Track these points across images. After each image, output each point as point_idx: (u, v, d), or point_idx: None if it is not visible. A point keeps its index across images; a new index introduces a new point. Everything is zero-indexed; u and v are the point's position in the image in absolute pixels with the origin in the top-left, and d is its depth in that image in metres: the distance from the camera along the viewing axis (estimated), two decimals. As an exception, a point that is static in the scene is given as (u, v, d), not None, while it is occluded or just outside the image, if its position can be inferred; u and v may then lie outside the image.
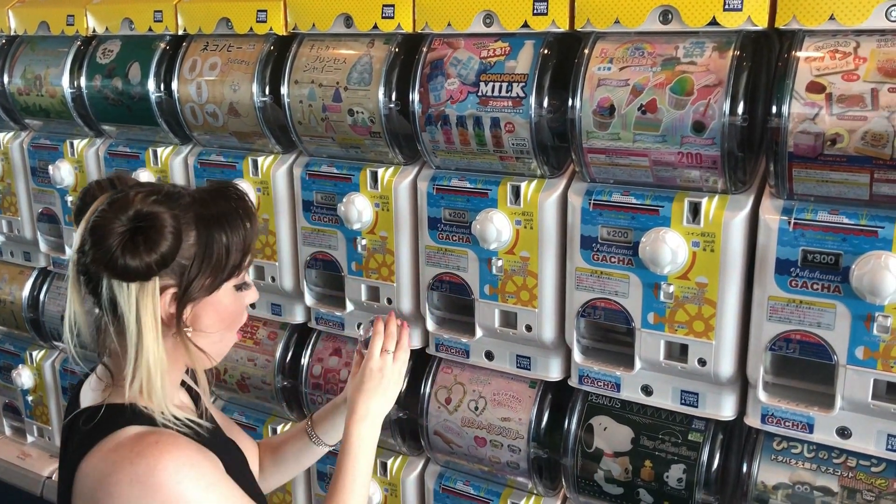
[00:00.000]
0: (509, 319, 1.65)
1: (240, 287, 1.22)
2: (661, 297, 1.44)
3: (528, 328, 1.60)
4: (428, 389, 1.78)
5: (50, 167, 2.24)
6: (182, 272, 1.13)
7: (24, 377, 2.65)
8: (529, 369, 1.67)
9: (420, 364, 1.84)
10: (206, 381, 1.22)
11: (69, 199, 2.28)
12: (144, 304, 1.10)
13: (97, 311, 1.15)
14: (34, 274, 2.59)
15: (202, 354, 1.19)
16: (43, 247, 2.43)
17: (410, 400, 1.83)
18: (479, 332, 1.67)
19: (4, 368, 2.75)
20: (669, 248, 1.39)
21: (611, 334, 1.58)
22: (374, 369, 1.33)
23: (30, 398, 2.71)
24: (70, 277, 1.16)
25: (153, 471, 1.05)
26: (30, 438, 2.79)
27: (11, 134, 2.42)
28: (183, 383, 1.32)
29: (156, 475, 1.05)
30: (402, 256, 1.74)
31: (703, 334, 1.43)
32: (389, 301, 1.77)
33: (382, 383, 1.33)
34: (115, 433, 1.11)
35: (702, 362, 1.44)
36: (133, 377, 1.12)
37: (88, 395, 1.25)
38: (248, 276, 1.26)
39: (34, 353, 2.66)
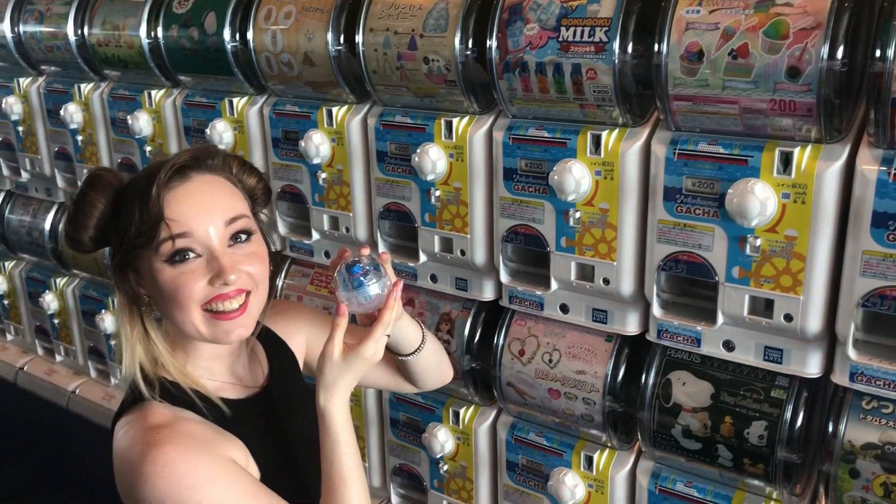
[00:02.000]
0: (586, 272, 1.62)
1: (172, 260, 1.14)
2: (748, 251, 1.39)
3: (606, 281, 1.57)
4: (501, 341, 1.77)
5: (128, 118, 2.28)
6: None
7: (108, 322, 2.75)
8: (606, 323, 1.65)
9: (493, 316, 1.83)
10: (258, 357, 1.25)
11: (147, 149, 2.32)
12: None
13: None
14: (115, 222, 2.66)
15: (183, 332, 1.19)
16: (123, 196, 2.48)
17: (483, 351, 1.83)
18: (554, 285, 1.65)
19: (89, 314, 2.85)
20: (758, 199, 1.33)
21: (692, 288, 1.54)
22: (367, 352, 1.19)
23: (113, 342, 2.81)
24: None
25: (154, 463, 1.07)
26: (113, 381, 2.90)
27: (91, 85, 2.47)
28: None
29: (154, 466, 1.07)
30: (476, 208, 1.72)
31: (790, 289, 1.38)
32: (463, 253, 1.76)
33: (367, 362, 1.20)
34: (139, 406, 1.16)
35: (788, 318, 1.39)
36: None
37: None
38: (201, 246, 1.15)
39: (115, 299, 2.74)
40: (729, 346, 1.51)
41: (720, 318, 1.47)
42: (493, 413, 1.91)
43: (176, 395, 1.16)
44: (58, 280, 2.97)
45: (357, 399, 2.09)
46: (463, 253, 1.76)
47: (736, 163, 1.38)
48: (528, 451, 1.82)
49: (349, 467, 1.20)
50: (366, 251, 1.27)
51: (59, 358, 3.10)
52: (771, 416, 1.46)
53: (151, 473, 1.06)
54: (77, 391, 2.94)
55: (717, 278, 1.44)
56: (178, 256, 1.14)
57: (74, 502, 2.93)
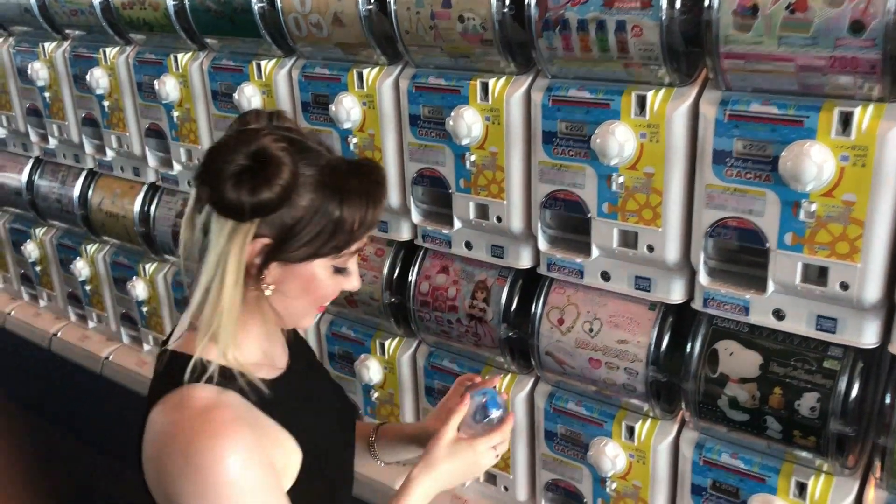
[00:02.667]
0: (629, 239, 1.56)
1: (339, 270, 1.16)
2: (802, 217, 1.33)
3: (650, 248, 1.52)
4: (540, 310, 1.73)
5: (155, 82, 2.24)
6: (282, 229, 1.08)
7: (139, 289, 2.74)
8: (649, 291, 1.59)
9: (530, 283, 1.78)
10: (283, 342, 1.20)
11: (175, 114, 2.28)
12: (234, 243, 1.07)
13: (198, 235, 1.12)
14: (144, 189, 2.64)
15: (274, 314, 1.15)
16: (151, 161, 2.46)
17: (520, 320, 1.79)
18: (595, 253, 1.60)
19: (120, 280, 2.85)
20: (814, 162, 1.26)
21: (740, 255, 1.48)
22: (477, 451, 1.30)
23: (144, 309, 2.81)
24: (190, 199, 1.14)
25: (200, 453, 1.02)
26: (146, 347, 2.91)
27: (117, 49, 2.42)
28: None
29: (200, 458, 1.02)
30: (513, 173, 1.66)
31: (846, 256, 1.32)
32: (499, 219, 1.70)
33: (470, 467, 1.30)
34: (180, 390, 1.09)
35: (844, 286, 1.33)
36: (204, 316, 1.09)
37: (178, 328, 1.25)
38: (354, 263, 1.19)
39: (147, 266, 2.74)
40: (779, 315, 1.45)
41: (770, 287, 1.41)
42: (531, 382, 1.88)
43: (218, 374, 1.11)
44: (88, 247, 2.96)
45: (391, 366, 2.06)
46: (499, 219, 1.71)
47: (791, 124, 1.30)
48: (567, 421, 1.79)
49: None
50: (485, 393, 1.38)
51: (91, 324, 3.11)
52: (823, 387, 1.40)
53: (201, 465, 1.02)
54: (111, 357, 2.95)
55: (768, 245, 1.38)
56: (346, 270, 1.17)
57: (107, 468, 2.96)
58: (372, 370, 2.07)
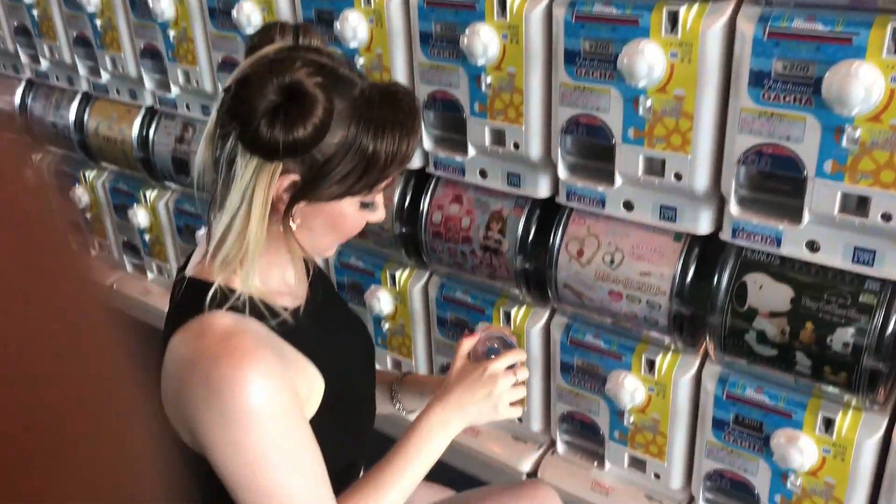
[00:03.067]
0: (655, 166, 1.48)
1: (366, 205, 1.10)
2: (844, 143, 1.24)
3: (678, 176, 1.43)
4: (558, 241, 1.66)
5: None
6: (312, 167, 1.02)
7: (140, 217, 2.67)
8: (675, 221, 1.52)
9: (548, 213, 1.71)
10: (303, 274, 1.13)
11: (171, 33, 2.16)
12: (260, 179, 1.01)
13: (220, 162, 1.05)
14: (141, 112, 2.54)
15: (296, 246, 1.09)
16: (148, 84, 2.35)
17: (537, 251, 1.72)
18: (618, 181, 1.52)
19: (120, 208, 2.77)
20: (862, 84, 1.17)
21: (774, 184, 1.40)
22: (493, 374, 1.21)
23: (147, 237, 2.74)
24: (211, 119, 1.06)
25: (222, 380, 0.97)
26: (150, 275, 2.86)
27: (106, -37, 2.28)
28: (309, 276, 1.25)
29: (224, 386, 0.97)
30: (532, 96, 1.56)
31: (891, 185, 1.23)
32: (517, 146, 1.61)
33: (488, 392, 1.20)
34: (200, 317, 1.04)
35: (886, 217, 1.25)
36: (226, 248, 1.04)
37: (196, 255, 1.19)
38: (381, 196, 1.13)
39: (148, 193, 2.66)
40: (813, 246, 1.38)
41: (806, 217, 1.33)
42: (546, 314, 1.82)
43: (239, 302, 1.06)
44: (87, 173, 2.88)
45: (402, 297, 2.01)
46: (517, 146, 1.62)
47: (837, 42, 1.20)
48: (584, 354, 1.74)
49: (408, 474, 1.17)
50: (496, 332, 1.31)
51: (93, 252, 3.04)
52: (858, 322, 1.34)
53: (224, 393, 0.97)
54: (114, 286, 2.91)
55: (805, 173, 1.30)
56: (373, 205, 1.11)
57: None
58: (382, 301, 2.01)
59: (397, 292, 2.01)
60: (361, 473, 1.29)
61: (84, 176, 2.88)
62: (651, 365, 1.65)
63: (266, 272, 1.11)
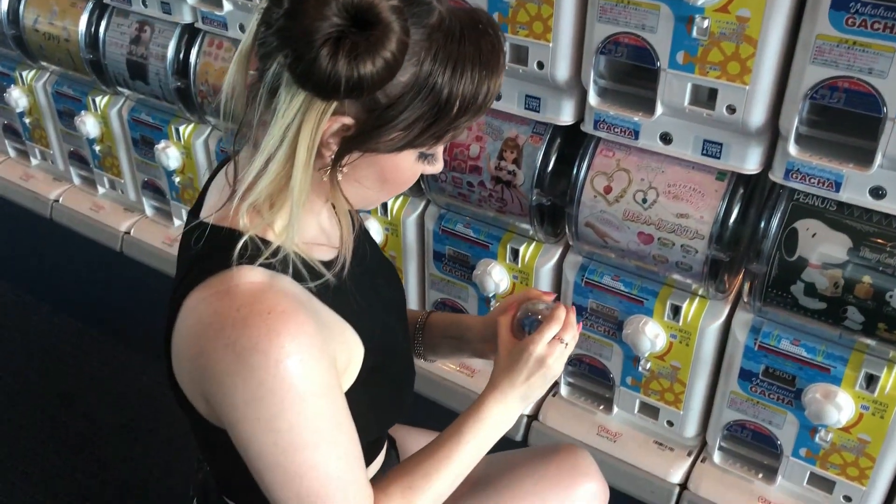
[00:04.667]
0: (700, 95, 1.31)
1: (426, 156, 0.92)
2: (937, 80, 1.09)
3: (731, 109, 1.27)
4: (583, 175, 1.49)
5: None
6: (372, 110, 0.83)
7: (89, 125, 2.39)
8: (719, 158, 1.36)
9: (569, 143, 1.53)
10: (349, 228, 0.94)
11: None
12: (308, 118, 0.82)
13: (257, 88, 0.85)
14: (88, 7, 2.23)
15: (343, 200, 0.91)
16: (95, -26, 2.05)
17: (557, 184, 1.55)
18: (659, 110, 1.34)
19: (66, 114, 2.49)
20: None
21: (839, 121, 1.24)
22: (540, 356, 1.08)
23: (97, 148, 2.48)
24: (248, 34, 0.87)
25: (254, 349, 0.83)
26: (101, 190, 2.61)
27: None
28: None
29: (255, 356, 0.83)
30: (564, 8, 1.36)
31: (985, 131, 1.10)
32: (541, 65, 1.42)
33: (542, 373, 1.08)
34: (225, 273, 0.87)
35: (974, 166, 1.12)
36: (257, 191, 0.86)
37: (213, 196, 1.00)
38: (441, 145, 0.93)
39: (97, 99, 2.38)
40: (878, 192, 1.24)
41: (878, 160, 1.19)
42: (559, 252, 1.67)
43: (275, 259, 0.89)
44: (25, 73, 2.57)
45: (395, 229, 1.83)
46: (541, 66, 1.42)
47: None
48: (600, 296, 1.60)
49: (465, 457, 1.05)
50: (540, 302, 1.16)
51: (34, 161, 2.76)
52: (924, 278, 1.23)
53: (259, 366, 0.83)
54: (60, 200, 2.65)
55: (885, 111, 1.15)
56: (433, 157, 0.93)
57: (61, 313, 2.74)
58: (373, 231, 1.83)
59: (389, 222, 1.83)
60: (384, 449, 1.15)
61: (21, 76, 2.57)
62: (676, 311, 1.52)
63: (303, 221, 0.94)
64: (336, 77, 0.77)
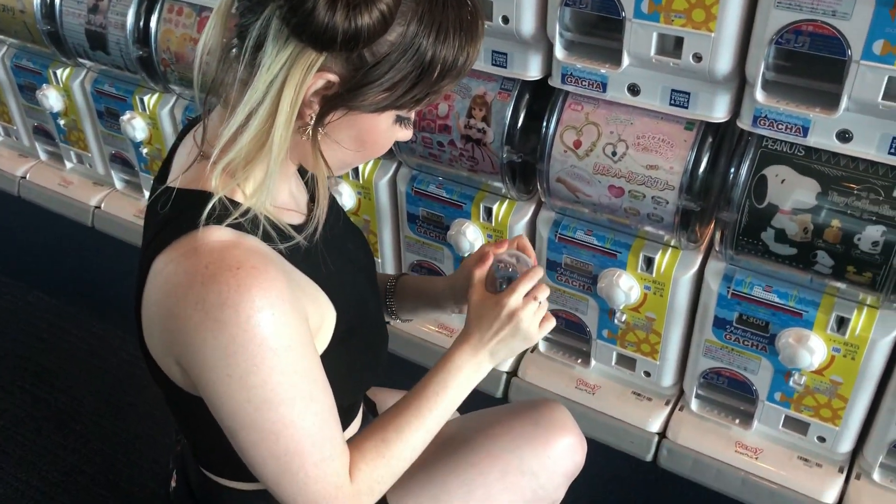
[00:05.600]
0: (667, 45, 1.30)
1: (402, 120, 0.92)
2: None
3: (698, 58, 1.26)
4: (552, 130, 1.48)
5: None
6: (358, 68, 0.83)
7: (52, 98, 2.35)
8: (687, 108, 1.36)
9: (538, 98, 1.52)
10: (326, 190, 0.93)
11: None
12: (293, 73, 0.81)
13: (234, 47, 0.85)
14: (42, -23, 2.17)
15: (321, 161, 0.90)
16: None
17: (527, 140, 1.54)
18: (625, 61, 1.33)
19: (27, 88, 2.44)
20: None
21: (805, 65, 1.24)
22: (512, 310, 1.07)
23: (62, 122, 2.43)
24: None
25: (224, 304, 0.82)
26: (68, 165, 2.56)
27: None
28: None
29: (225, 311, 0.82)
30: (526, -40, 1.34)
31: (948, 70, 1.10)
32: (506, 20, 1.40)
33: (512, 327, 1.06)
34: (193, 233, 0.86)
35: (938, 106, 1.12)
36: (234, 152, 0.85)
37: (182, 159, 0.99)
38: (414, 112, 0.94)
39: (59, 72, 2.33)
40: (845, 136, 1.24)
41: (844, 104, 1.19)
42: (531, 209, 1.67)
43: (244, 220, 0.88)
44: (-19, 48, 2.51)
45: (367, 192, 1.82)
46: (506, 20, 1.40)
47: None
48: (574, 251, 1.61)
49: (432, 420, 1.05)
50: (508, 254, 1.15)
51: (-1, 138, 2.72)
52: (891, 220, 1.24)
53: (229, 321, 0.82)
54: (27, 176, 2.61)
55: (849, 53, 1.14)
56: (408, 121, 0.93)
57: (35, 291, 2.71)
58: (344, 196, 1.82)
59: (361, 186, 1.82)
60: (360, 413, 1.15)
61: (-23, 50, 2.51)
62: (649, 262, 1.53)
63: (275, 185, 0.93)
64: (333, 28, 0.77)
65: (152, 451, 1.98)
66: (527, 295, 1.08)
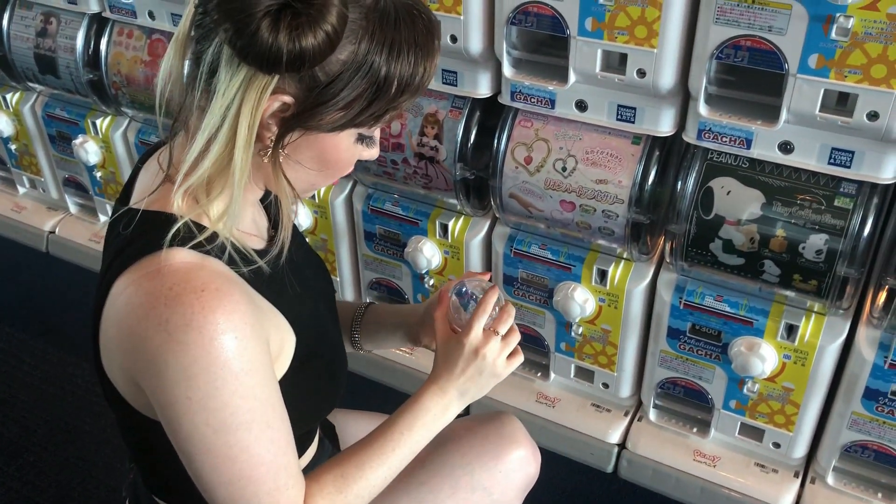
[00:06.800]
0: (612, 61, 1.32)
1: (364, 139, 0.91)
2: (833, 35, 1.12)
3: (641, 73, 1.28)
4: (503, 147, 1.49)
5: None
6: (312, 88, 0.82)
7: (2, 123, 2.32)
8: (633, 122, 1.38)
9: (489, 116, 1.53)
10: (290, 213, 0.93)
11: None
12: (248, 96, 0.81)
13: (191, 74, 0.85)
14: (-11, 1, 2.15)
15: (285, 184, 0.90)
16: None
17: (479, 157, 1.55)
18: (572, 78, 1.35)
19: (-24, 114, 2.40)
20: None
21: (748, 80, 1.27)
22: (474, 347, 1.03)
23: (13, 147, 2.39)
24: (184, 18, 0.85)
25: (188, 326, 0.81)
26: (21, 189, 2.53)
27: None
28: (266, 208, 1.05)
29: (189, 333, 0.81)
30: (472, -20, 1.36)
31: (881, 82, 1.13)
32: (454, 39, 1.41)
33: (477, 365, 1.03)
34: (156, 255, 0.85)
35: (872, 116, 1.15)
36: (196, 176, 0.85)
37: (146, 181, 0.98)
38: (378, 129, 0.93)
39: (8, 96, 2.30)
40: (787, 147, 1.27)
41: (783, 116, 1.22)
42: (487, 224, 1.68)
43: (211, 246, 0.88)
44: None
45: (324, 211, 1.82)
46: (454, 39, 1.42)
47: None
48: (529, 266, 1.62)
49: (401, 450, 1.03)
50: (474, 280, 1.11)
51: (-51, 164, 2.66)
52: (833, 228, 1.27)
53: (193, 343, 0.81)
54: (-21, 202, 2.56)
55: (786, 68, 1.17)
56: (371, 140, 0.92)
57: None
58: (301, 215, 1.81)
59: (318, 205, 1.82)
60: (315, 441, 1.14)
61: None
62: (603, 275, 1.55)
63: (243, 211, 0.94)
64: (278, 49, 0.77)
65: (110, 479, 1.94)
66: (487, 330, 1.06)
